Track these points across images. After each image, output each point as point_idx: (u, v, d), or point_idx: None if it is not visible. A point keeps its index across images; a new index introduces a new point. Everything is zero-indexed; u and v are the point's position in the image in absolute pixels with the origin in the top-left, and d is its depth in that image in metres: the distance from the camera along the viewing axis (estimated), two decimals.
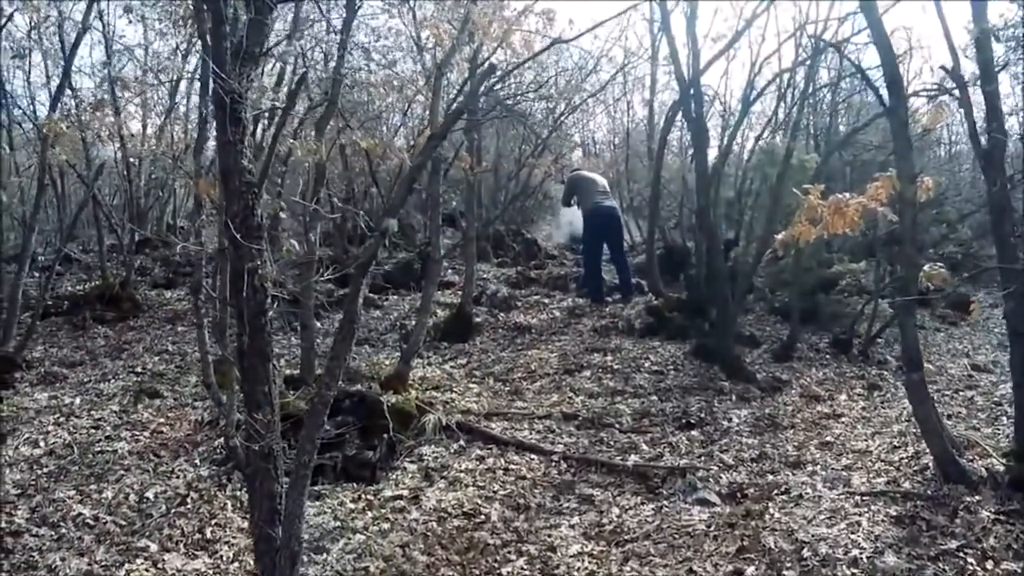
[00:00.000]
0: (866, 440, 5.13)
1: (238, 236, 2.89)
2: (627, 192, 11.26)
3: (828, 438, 5.20)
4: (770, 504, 4.17)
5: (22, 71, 9.95)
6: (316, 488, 4.40)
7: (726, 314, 6.85)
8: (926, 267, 4.07)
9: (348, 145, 7.93)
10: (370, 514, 4.15)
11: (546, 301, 8.88)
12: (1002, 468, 4.30)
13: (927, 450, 4.65)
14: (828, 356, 7.42)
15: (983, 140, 4.12)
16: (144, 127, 10.26)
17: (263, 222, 2.97)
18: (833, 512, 4.06)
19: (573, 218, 10.27)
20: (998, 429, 5.45)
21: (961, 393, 6.56)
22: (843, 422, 5.56)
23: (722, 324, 6.87)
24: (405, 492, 4.33)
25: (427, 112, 9.65)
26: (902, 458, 4.71)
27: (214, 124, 3.03)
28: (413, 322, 7.29)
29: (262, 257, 2.94)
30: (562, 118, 10.59)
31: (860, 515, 4.02)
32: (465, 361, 6.92)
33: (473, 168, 7.29)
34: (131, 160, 9.69)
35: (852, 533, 3.83)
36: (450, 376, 6.44)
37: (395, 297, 9.10)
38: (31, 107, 9.79)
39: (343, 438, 4.63)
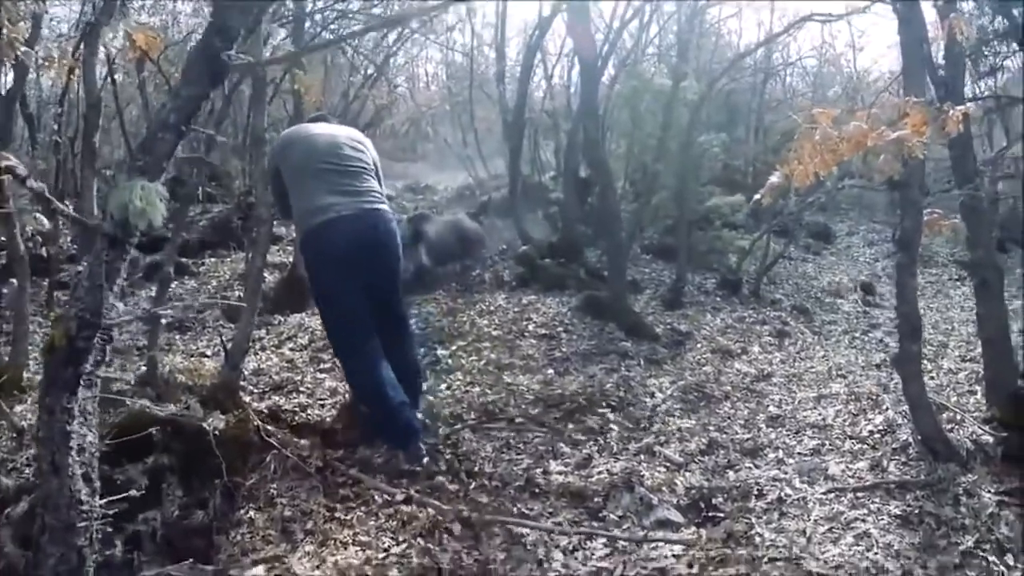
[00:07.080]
0: (816, 409, 4.31)
1: None
2: (471, 123, 9.88)
3: (772, 409, 4.34)
4: (751, 518, 3.20)
5: None
6: None
7: (619, 262, 5.83)
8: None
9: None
10: None
11: None
12: (991, 439, 3.69)
13: (899, 420, 3.94)
14: (719, 299, 6.70)
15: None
16: None
17: None
18: (830, 520, 3.16)
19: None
20: (935, 379, 4.88)
21: (870, 335, 6.02)
22: (776, 384, 4.76)
23: (614, 273, 5.85)
24: (260, 571, 2.85)
25: None
26: (872, 433, 3.91)
27: None
28: (238, 295, 5.67)
29: None
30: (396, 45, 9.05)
31: (863, 519, 3.16)
32: (307, 340, 5.40)
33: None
34: None
35: (868, 550, 2.94)
36: (292, 365, 4.93)
37: (212, 260, 7.29)
38: None
39: (160, 490, 3.09)
